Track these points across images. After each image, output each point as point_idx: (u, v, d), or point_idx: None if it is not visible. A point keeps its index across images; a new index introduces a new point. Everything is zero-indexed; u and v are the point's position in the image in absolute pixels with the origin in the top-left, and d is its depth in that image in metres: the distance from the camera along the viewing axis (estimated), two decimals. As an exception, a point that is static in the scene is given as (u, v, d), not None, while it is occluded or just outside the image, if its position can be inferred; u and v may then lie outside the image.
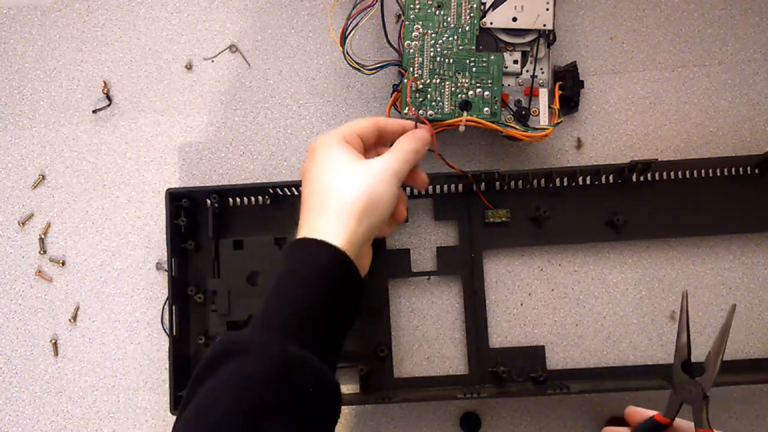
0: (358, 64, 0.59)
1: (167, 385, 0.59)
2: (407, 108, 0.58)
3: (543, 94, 0.60)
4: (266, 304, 0.44)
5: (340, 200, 0.46)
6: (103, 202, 0.65)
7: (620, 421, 0.60)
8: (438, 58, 0.59)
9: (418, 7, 0.59)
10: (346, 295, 0.46)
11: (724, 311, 0.61)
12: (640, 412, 0.52)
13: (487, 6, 0.59)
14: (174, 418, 0.59)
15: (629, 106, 0.64)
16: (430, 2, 0.59)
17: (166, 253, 0.60)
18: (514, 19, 0.59)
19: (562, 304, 0.62)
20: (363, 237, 0.47)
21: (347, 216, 0.46)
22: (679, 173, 0.61)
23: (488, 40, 0.60)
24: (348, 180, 0.47)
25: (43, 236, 0.64)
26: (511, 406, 0.61)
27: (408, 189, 0.62)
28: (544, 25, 0.59)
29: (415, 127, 0.55)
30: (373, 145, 0.53)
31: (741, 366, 0.60)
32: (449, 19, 0.59)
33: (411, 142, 0.51)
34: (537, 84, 0.60)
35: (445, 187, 0.62)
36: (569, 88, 0.61)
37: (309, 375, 0.41)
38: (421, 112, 0.59)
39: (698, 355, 0.60)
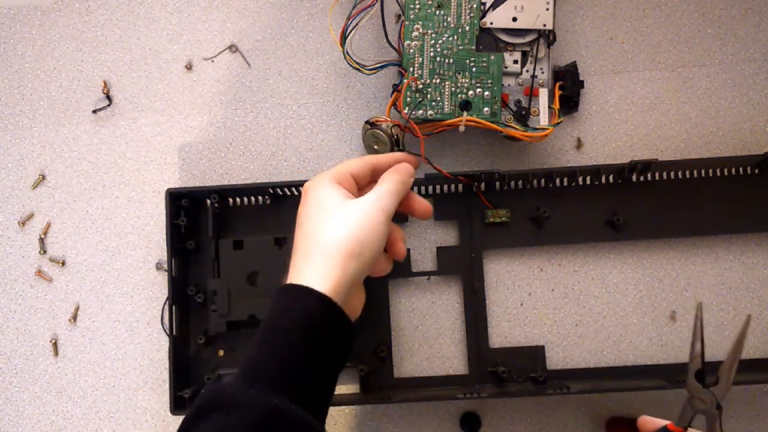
0: (358, 64, 0.59)
1: (167, 385, 0.59)
2: (407, 107, 0.58)
3: (543, 94, 0.60)
4: (250, 354, 0.43)
5: (326, 243, 0.45)
6: (103, 202, 0.65)
7: (620, 421, 0.60)
8: (438, 58, 0.59)
9: (418, 7, 0.59)
10: (333, 341, 0.45)
11: (724, 311, 0.61)
12: (652, 422, 0.52)
13: (487, 6, 0.59)
14: (174, 418, 0.59)
15: (629, 106, 0.64)
16: (430, 2, 0.59)
17: (166, 253, 0.60)
18: (514, 19, 0.59)
19: (562, 304, 0.62)
20: (351, 280, 0.45)
21: (333, 259, 0.45)
22: (679, 173, 0.61)
23: (488, 40, 0.60)
24: (333, 221, 0.46)
25: (43, 236, 0.64)
26: (511, 406, 0.61)
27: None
28: (544, 25, 0.59)
29: (403, 129, 0.55)
30: (368, 183, 0.52)
31: (741, 366, 0.60)
32: (449, 19, 0.59)
33: (395, 175, 0.50)
34: (537, 84, 0.60)
35: (445, 187, 0.62)
36: (569, 88, 0.61)
37: (293, 429, 0.40)
38: (420, 112, 0.59)
39: (698, 355, 0.61)
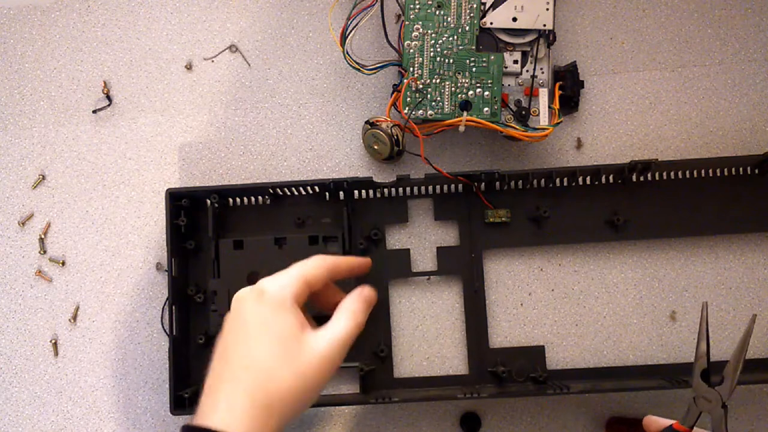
0: (358, 64, 0.59)
1: (167, 385, 0.59)
2: (407, 108, 0.58)
3: (543, 94, 0.60)
4: None
5: (269, 388, 0.39)
6: (103, 202, 0.65)
7: (620, 421, 0.60)
8: (438, 58, 0.59)
9: (418, 7, 0.59)
10: None
11: (724, 311, 0.61)
12: (657, 421, 0.52)
13: (487, 6, 0.59)
14: (174, 418, 0.59)
15: (629, 106, 0.64)
16: (430, 2, 0.59)
17: (166, 253, 0.60)
18: (514, 19, 0.59)
19: (562, 304, 0.62)
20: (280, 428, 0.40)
21: (272, 412, 0.39)
22: (679, 173, 0.61)
23: (488, 40, 0.60)
24: (285, 362, 0.40)
25: (43, 236, 0.64)
26: (511, 406, 0.61)
27: (408, 189, 0.62)
28: (544, 25, 0.59)
29: (403, 129, 0.54)
30: (322, 287, 0.47)
31: (745, 365, 0.60)
32: (449, 19, 0.59)
33: (357, 309, 0.45)
34: (537, 84, 0.60)
35: (445, 187, 0.62)
36: (569, 88, 0.61)
37: None
38: (420, 112, 0.59)
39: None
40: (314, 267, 0.45)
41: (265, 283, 0.43)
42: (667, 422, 0.50)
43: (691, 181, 0.61)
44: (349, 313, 0.45)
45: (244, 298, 0.43)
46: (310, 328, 0.42)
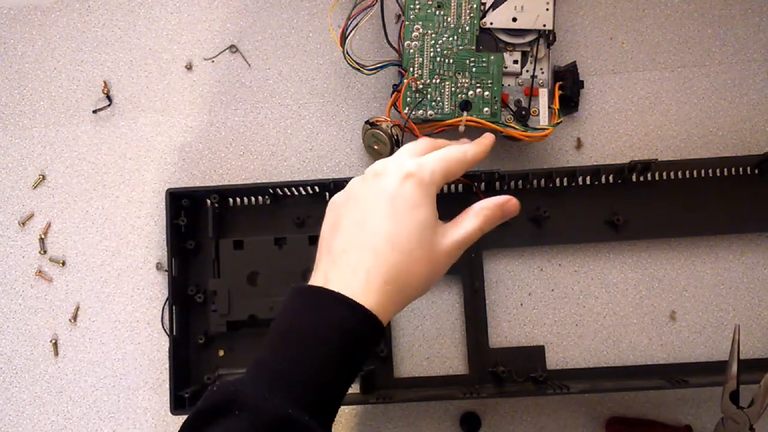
0: (358, 64, 0.59)
1: (167, 385, 0.59)
2: (407, 108, 0.58)
3: (543, 94, 0.60)
4: (272, 361, 0.39)
5: (402, 270, 0.40)
6: (103, 202, 0.65)
7: (620, 421, 0.60)
8: (438, 58, 0.59)
9: (418, 7, 0.59)
10: (362, 362, 0.41)
11: (724, 311, 0.61)
12: None
13: (487, 6, 0.59)
14: (174, 418, 0.59)
15: (629, 106, 0.64)
16: (430, 2, 0.59)
17: (166, 253, 0.60)
18: (514, 20, 0.59)
19: (562, 304, 0.62)
20: (397, 312, 0.41)
21: (400, 293, 0.40)
22: (679, 173, 0.61)
23: (488, 40, 0.60)
24: (423, 250, 0.41)
25: (43, 236, 0.64)
26: (511, 406, 0.61)
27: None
28: (544, 25, 0.59)
29: (403, 129, 0.54)
30: None
31: (741, 366, 0.60)
32: (449, 19, 0.59)
33: (486, 218, 0.45)
34: (537, 84, 0.60)
35: (445, 187, 0.62)
36: (569, 88, 0.61)
37: None
38: (420, 112, 0.59)
39: (698, 355, 0.61)
40: (456, 161, 0.45)
41: (411, 164, 0.42)
42: None
43: (691, 181, 0.61)
44: (482, 217, 0.44)
45: (388, 171, 0.42)
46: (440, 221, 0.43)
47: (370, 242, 0.41)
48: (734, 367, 0.49)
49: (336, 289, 0.40)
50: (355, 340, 0.39)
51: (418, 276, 0.41)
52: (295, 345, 0.39)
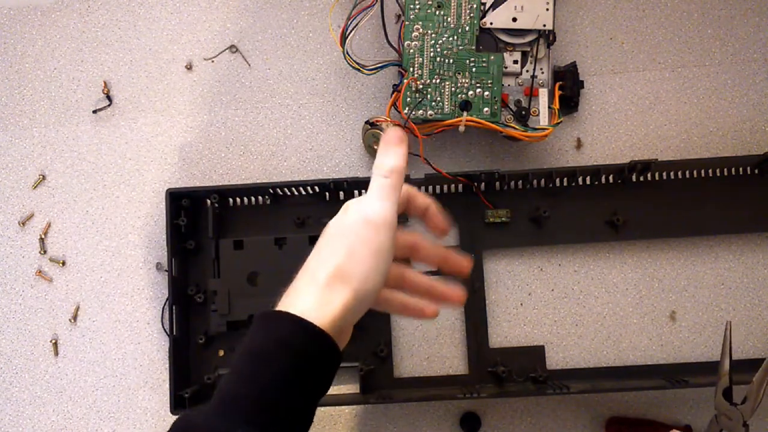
0: (358, 64, 0.59)
1: (167, 385, 0.59)
2: (407, 108, 0.59)
3: (543, 94, 0.60)
4: (225, 383, 0.39)
5: (328, 268, 0.40)
6: (103, 202, 0.65)
7: (620, 421, 0.60)
8: (438, 58, 0.59)
9: (418, 7, 0.59)
10: (321, 375, 0.40)
11: (724, 311, 0.61)
12: None
13: (487, 6, 0.59)
14: (174, 418, 0.59)
15: (629, 106, 0.64)
16: (430, 2, 0.59)
17: (166, 253, 0.60)
18: (514, 20, 0.59)
19: (562, 304, 0.62)
20: (351, 313, 0.40)
21: (332, 288, 0.40)
22: (679, 173, 0.61)
23: (488, 40, 0.60)
24: (342, 244, 0.41)
25: (43, 236, 0.64)
26: (511, 406, 0.61)
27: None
28: (544, 25, 0.59)
29: (403, 129, 0.54)
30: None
31: (741, 366, 0.60)
32: (449, 19, 0.59)
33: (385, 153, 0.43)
34: (537, 84, 0.60)
35: (445, 187, 0.62)
36: (569, 88, 0.61)
37: None
38: (420, 112, 0.59)
39: (698, 355, 0.61)
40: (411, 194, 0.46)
41: (367, 207, 0.43)
42: None
43: (691, 181, 0.61)
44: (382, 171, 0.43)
45: (351, 210, 0.43)
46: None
47: (321, 266, 0.41)
48: (726, 364, 0.49)
49: (286, 309, 0.40)
50: (305, 355, 0.39)
51: (355, 272, 0.40)
52: (247, 365, 0.39)
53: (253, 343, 0.40)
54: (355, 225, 0.42)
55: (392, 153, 0.43)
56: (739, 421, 0.48)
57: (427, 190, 0.62)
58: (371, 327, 0.61)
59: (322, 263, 0.41)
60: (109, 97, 0.65)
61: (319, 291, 0.40)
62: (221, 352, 0.61)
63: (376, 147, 0.60)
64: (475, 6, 0.59)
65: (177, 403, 0.58)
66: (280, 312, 0.40)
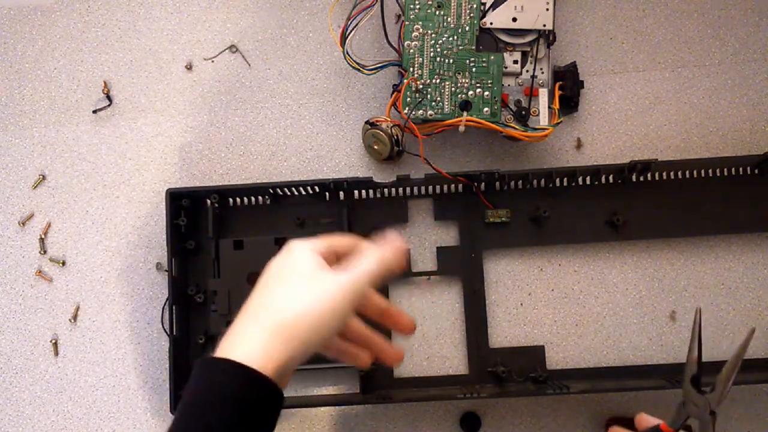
0: (358, 64, 0.59)
1: (167, 385, 0.59)
2: (407, 108, 0.59)
3: (543, 94, 0.60)
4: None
5: (281, 313, 0.40)
6: (103, 202, 0.65)
7: (620, 421, 0.60)
8: (438, 58, 0.59)
9: (418, 7, 0.59)
10: (262, 420, 0.39)
11: (724, 311, 0.61)
12: (648, 420, 0.52)
13: (487, 6, 0.59)
14: (174, 418, 0.59)
15: (629, 106, 0.64)
16: (430, 2, 0.59)
17: (166, 253, 0.60)
18: (514, 20, 0.59)
19: (562, 304, 0.62)
20: (295, 361, 0.40)
21: (282, 334, 0.39)
22: (679, 173, 0.61)
23: (488, 40, 0.60)
24: (297, 290, 0.41)
25: (43, 236, 0.64)
26: (511, 406, 0.61)
27: (408, 189, 0.62)
28: (544, 25, 0.59)
29: (403, 129, 0.54)
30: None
31: (741, 366, 0.60)
32: (449, 19, 0.59)
33: (379, 253, 0.44)
34: (537, 84, 0.60)
35: (445, 187, 0.62)
36: (569, 88, 0.61)
37: None
38: (420, 112, 0.59)
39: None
40: (339, 237, 0.46)
41: (291, 242, 0.44)
42: (657, 421, 0.50)
43: (691, 181, 0.61)
44: (374, 255, 0.44)
45: (285, 247, 0.44)
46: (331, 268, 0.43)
47: (251, 311, 0.42)
48: (695, 350, 0.49)
49: (227, 355, 0.39)
50: (247, 403, 0.38)
51: (302, 312, 0.40)
52: (190, 419, 0.39)
53: (195, 393, 0.39)
54: (338, 289, 0.41)
55: (394, 260, 0.44)
56: (706, 409, 0.48)
57: (426, 190, 0.62)
58: (371, 327, 0.61)
59: (292, 310, 0.40)
60: (109, 97, 0.65)
61: (264, 337, 0.39)
62: (221, 352, 0.61)
63: (376, 147, 0.60)
64: (475, 6, 0.59)
65: (177, 403, 0.58)
66: (221, 359, 0.39)
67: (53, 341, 0.63)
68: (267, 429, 0.40)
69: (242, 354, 0.39)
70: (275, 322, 0.40)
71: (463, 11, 0.59)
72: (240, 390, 0.38)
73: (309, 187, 0.60)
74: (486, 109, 0.59)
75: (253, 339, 0.40)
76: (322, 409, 0.61)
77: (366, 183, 0.60)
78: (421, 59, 0.59)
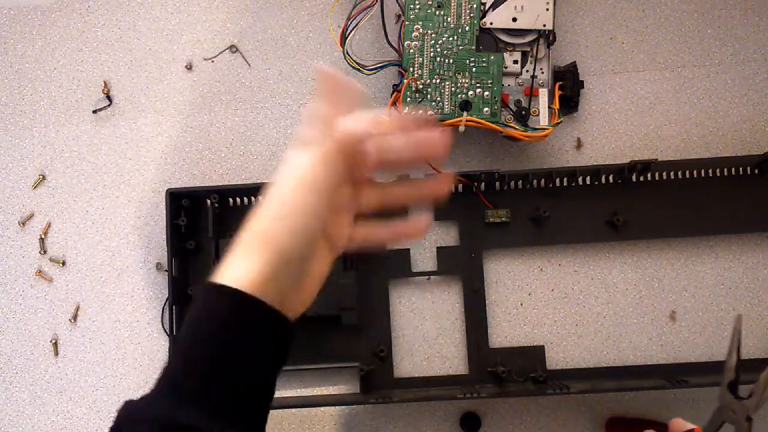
0: (358, 64, 0.59)
1: (167, 385, 0.59)
2: (407, 108, 0.58)
3: (543, 94, 0.60)
4: (166, 363, 0.38)
5: (250, 228, 0.38)
6: (103, 202, 0.65)
7: (620, 421, 0.60)
8: (438, 58, 0.59)
9: (418, 7, 0.59)
10: (257, 341, 0.37)
11: (724, 311, 0.61)
12: (683, 425, 0.52)
13: (487, 6, 0.59)
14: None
15: (629, 106, 0.64)
16: (430, 2, 0.59)
17: (166, 253, 0.60)
18: (514, 20, 0.59)
19: (562, 304, 0.62)
20: (280, 269, 0.37)
21: (250, 247, 0.38)
22: (679, 173, 0.61)
23: (488, 40, 0.60)
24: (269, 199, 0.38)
25: (43, 236, 0.64)
26: (511, 406, 0.61)
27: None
28: (544, 25, 0.59)
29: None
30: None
31: (741, 366, 0.60)
32: (449, 19, 0.59)
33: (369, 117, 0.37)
34: (537, 84, 0.60)
35: (445, 187, 0.62)
36: (569, 88, 0.61)
37: None
38: (420, 112, 0.59)
39: (698, 355, 0.61)
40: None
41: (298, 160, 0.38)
42: (691, 426, 0.50)
43: (691, 181, 0.61)
44: (361, 117, 0.37)
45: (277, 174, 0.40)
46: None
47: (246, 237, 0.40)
48: (734, 357, 0.49)
49: (218, 279, 0.38)
50: (230, 322, 0.37)
51: (279, 224, 0.38)
52: (179, 341, 0.38)
53: (188, 317, 0.38)
54: (282, 177, 0.38)
55: (362, 118, 0.37)
56: (742, 415, 0.48)
57: (427, 190, 0.62)
58: (371, 327, 0.61)
59: (249, 225, 0.38)
60: (109, 97, 0.65)
61: (238, 254, 0.38)
62: (221, 352, 0.61)
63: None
64: (475, 6, 0.59)
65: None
66: (214, 284, 0.37)
67: (53, 341, 0.63)
68: (269, 353, 0.38)
69: (226, 277, 0.37)
70: (248, 234, 0.38)
71: (463, 11, 0.59)
72: (224, 309, 0.37)
73: (309, 187, 0.60)
74: (486, 109, 0.59)
75: (239, 260, 0.38)
76: (322, 409, 0.61)
77: (366, 183, 0.60)
78: (421, 59, 0.59)
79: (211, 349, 0.36)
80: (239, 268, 0.38)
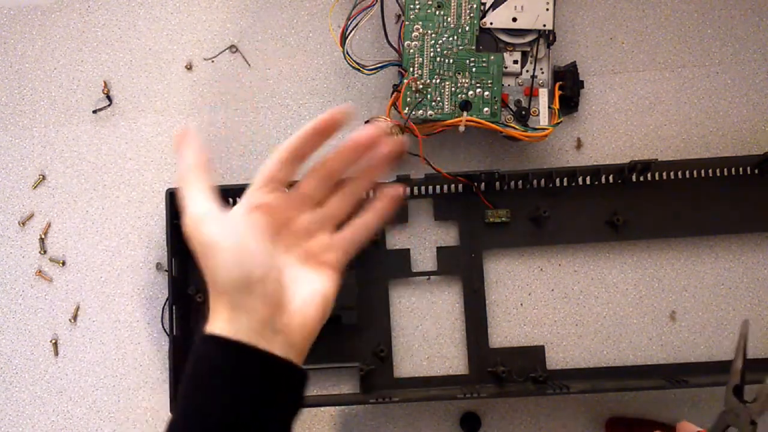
0: (358, 64, 0.59)
1: (167, 385, 0.59)
2: (407, 108, 0.59)
3: (543, 94, 0.60)
4: (171, 415, 0.38)
5: (214, 279, 0.39)
6: (103, 202, 0.65)
7: (620, 421, 0.60)
8: (438, 58, 0.59)
9: (418, 7, 0.59)
10: (253, 389, 0.37)
11: (724, 311, 0.61)
12: (690, 428, 0.52)
13: (487, 6, 0.59)
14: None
15: (629, 106, 0.64)
16: (430, 2, 0.59)
17: (166, 253, 0.60)
18: (514, 19, 0.59)
19: (562, 304, 0.62)
20: (255, 318, 0.37)
21: (223, 299, 0.39)
22: (679, 173, 0.61)
23: (488, 40, 0.60)
24: (213, 249, 0.40)
25: (43, 236, 0.64)
26: (511, 406, 0.61)
27: (408, 189, 0.62)
28: (544, 25, 0.59)
29: (403, 129, 0.53)
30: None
31: (755, 366, 0.60)
32: (449, 19, 0.59)
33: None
34: (537, 84, 0.60)
35: (445, 187, 0.62)
36: (569, 88, 0.61)
37: None
38: (420, 112, 0.59)
39: (698, 355, 0.61)
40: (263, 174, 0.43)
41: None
42: (696, 429, 0.51)
43: (691, 181, 0.61)
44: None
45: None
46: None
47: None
48: (739, 362, 0.49)
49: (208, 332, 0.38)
50: (207, 365, 0.37)
51: (218, 273, 0.40)
52: (181, 394, 0.38)
53: (187, 370, 0.38)
54: (235, 224, 0.41)
55: (187, 152, 0.42)
56: (747, 419, 0.48)
57: (426, 190, 0.62)
58: (371, 327, 0.61)
59: (217, 273, 0.40)
60: (109, 97, 0.65)
61: (225, 305, 0.39)
62: (221, 352, 0.61)
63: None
64: (475, 6, 0.59)
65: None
66: (205, 336, 0.38)
67: (53, 341, 0.63)
68: (276, 398, 0.38)
69: (217, 324, 0.38)
70: (216, 289, 0.39)
71: (463, 11, 0.59)
72: (202, 351, 0.37)
73: (309, 187, 0.60)
74: (486, 109, 0.59)
75: (218, 312, 0.39)
76: (322, 409, 0.61)
77: (366, 183, 0.60)
78: (421, 59, 0.59)
79: (209, 399, 0.37)
80: (221, 316, 0.38)
